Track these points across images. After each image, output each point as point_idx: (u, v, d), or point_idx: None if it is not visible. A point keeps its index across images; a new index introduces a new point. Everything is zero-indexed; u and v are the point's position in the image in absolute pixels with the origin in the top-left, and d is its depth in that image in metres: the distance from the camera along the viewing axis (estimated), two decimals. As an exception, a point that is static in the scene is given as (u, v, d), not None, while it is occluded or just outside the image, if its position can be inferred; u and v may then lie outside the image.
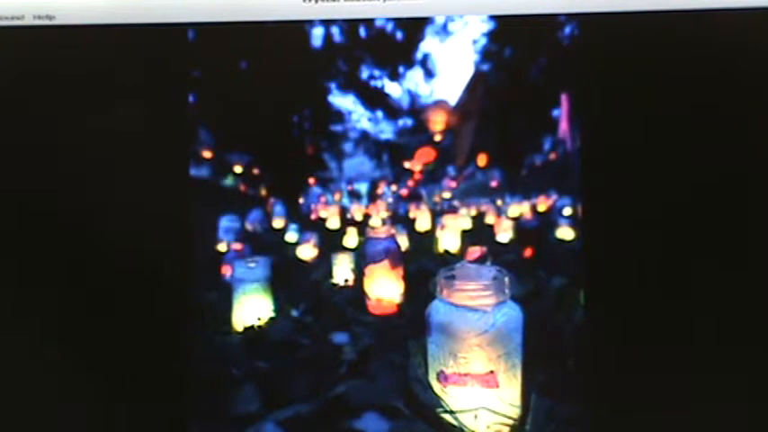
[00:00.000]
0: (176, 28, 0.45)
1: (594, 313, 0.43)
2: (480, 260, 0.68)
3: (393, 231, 0.65)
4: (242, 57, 0.58)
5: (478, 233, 0.80)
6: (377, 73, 0.76)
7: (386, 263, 0.61)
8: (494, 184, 0.83)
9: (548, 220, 0.75)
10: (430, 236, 0.82)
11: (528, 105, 0.72)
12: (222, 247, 0.70)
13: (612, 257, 0.43)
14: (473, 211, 0.86)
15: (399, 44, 0.71)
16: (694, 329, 0.42)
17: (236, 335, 0.56)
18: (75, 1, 0.44)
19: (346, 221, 0.86)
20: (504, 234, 0.78)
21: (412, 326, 0.52)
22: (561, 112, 0.67)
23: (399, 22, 0.64)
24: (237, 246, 0.71)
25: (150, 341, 0.44)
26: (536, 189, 0.80)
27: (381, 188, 0.88)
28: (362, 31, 0.68)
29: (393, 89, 0.78)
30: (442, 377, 0.42)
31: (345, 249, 0.73)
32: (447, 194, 0.89)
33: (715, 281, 0.42)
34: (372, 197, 0.87)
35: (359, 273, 0.65)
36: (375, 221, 0.86)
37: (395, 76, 0.77)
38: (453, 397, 0.41)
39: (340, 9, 0.45)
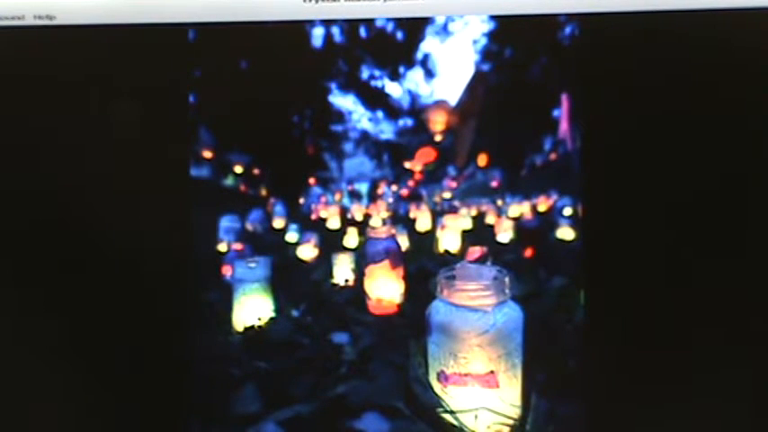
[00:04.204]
0: (176, 28, 0.45)
1: (594, 313, 0.43)
2: (480, 260, 0.68)
3: (393, 231, 0.65)
4: (242, 57, 0.58)
5: (479, 233, 0.80)
6: (377, 73, 0.76)
7: (386, 263, 0.61)
8: (494, 184, 0.83)
9: (548, 221, 0.75)
10: (430, 236, 0.82)
11: (528, 105, 0.72)
12: (223, 248, 0.70)
13: (612, 257, 0.43)
14: (473, 212, 0.86)
15: (400, 44, 0.71)
16: (695, 329, 0.42)
17: (237, 335, 0.56)
18: (75, 1, 0.44)
19: (347, 221, 0.86)
20: (505, 234, 0.78)
21: (412, 326, 0.52)
22: (561, 112, 0.67)
23: (400, 22, 0.64)
24: (238, 246, 0.71)
25: (151, 341, 0.44)
26: (536, 189, 0.80)
27: (382, 188, 0.87)
28: (363, 31, 0.68)
29: (393, 89, 0.78)
30: (442, 377, 0.42)
31: (346, 249, 0.73)
32: (447, 194, 0.89)
33: (715, 281, 0.42)
34: (373, 197, 0.87)
35: (359, 273, 0.65)
36: (375, 221, 0.86)
37: (395, 77, 0.77)
38: (453, 397, 0.41)
39: (340, 9, 0.45)
